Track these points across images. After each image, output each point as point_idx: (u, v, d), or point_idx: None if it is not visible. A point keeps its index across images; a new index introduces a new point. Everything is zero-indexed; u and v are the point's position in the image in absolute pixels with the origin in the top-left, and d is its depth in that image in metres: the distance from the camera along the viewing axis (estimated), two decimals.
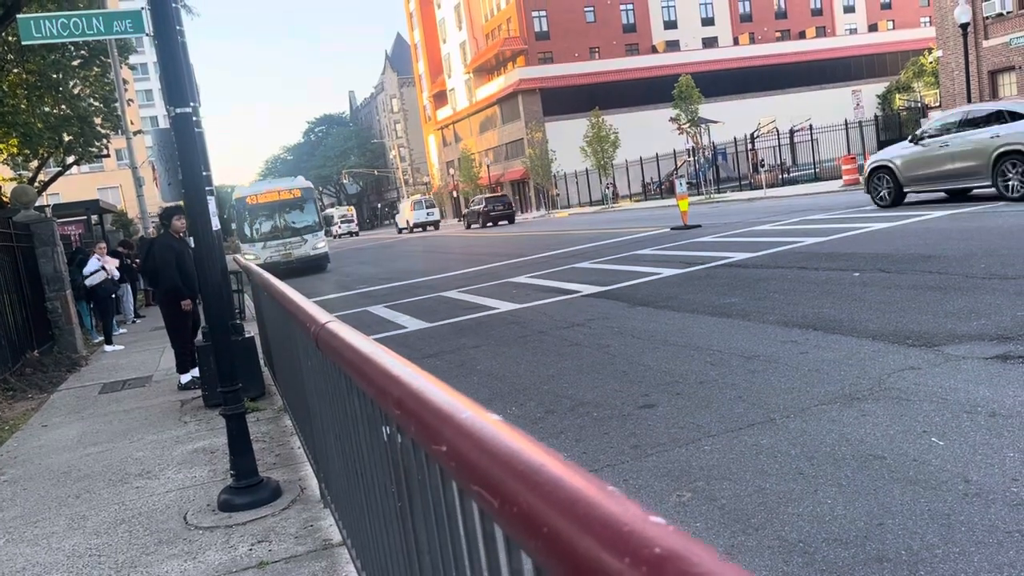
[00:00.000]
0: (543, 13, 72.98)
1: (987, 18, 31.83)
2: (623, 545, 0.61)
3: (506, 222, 47.41)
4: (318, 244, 27.83)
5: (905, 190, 17.64)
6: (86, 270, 13.33)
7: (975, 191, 16.93)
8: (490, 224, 47.52)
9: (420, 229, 58.43)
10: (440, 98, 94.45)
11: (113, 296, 14.30)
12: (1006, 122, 14.91)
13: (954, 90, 33.26)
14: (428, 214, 59.37)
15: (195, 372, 8.52)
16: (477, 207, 50.31)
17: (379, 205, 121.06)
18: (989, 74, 32.42)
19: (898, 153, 17.70)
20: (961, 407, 4.87)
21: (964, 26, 25.46)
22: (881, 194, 18.16)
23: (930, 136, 16.73)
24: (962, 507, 3.62)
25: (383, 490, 2.09)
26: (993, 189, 15.44)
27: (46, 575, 4.24)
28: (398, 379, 1.46)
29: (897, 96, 64.02)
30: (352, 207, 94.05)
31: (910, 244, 11.85)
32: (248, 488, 4.86)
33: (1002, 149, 14.80)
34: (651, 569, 0.57)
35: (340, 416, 2.72)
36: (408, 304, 14.08)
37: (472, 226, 50.05)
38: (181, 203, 7.26)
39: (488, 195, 54.35)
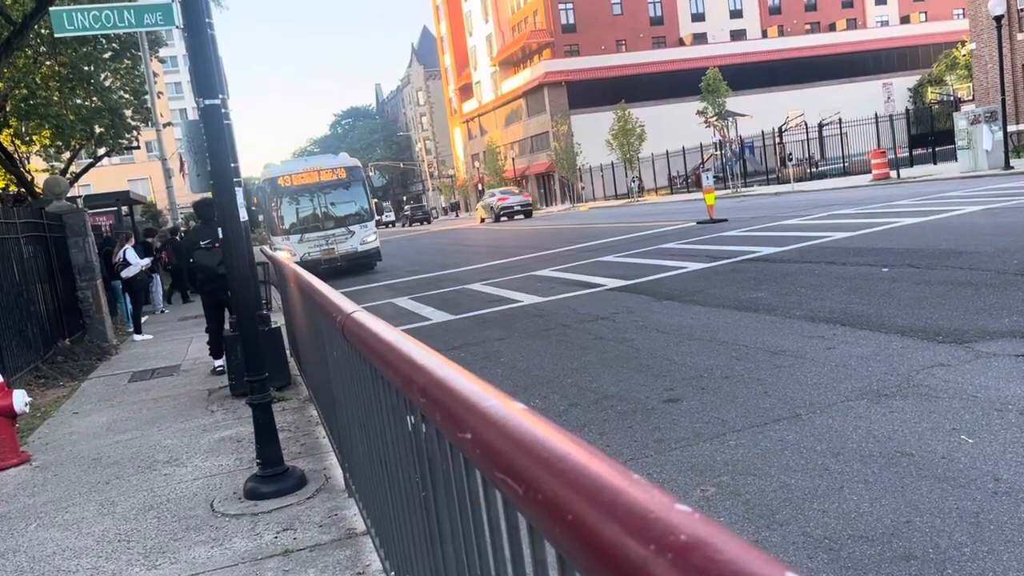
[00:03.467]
0: (569, 5, 72.68)
1: (1022, 10, 31.21)
2: (649, 532, 0.61)
3: (426, 223, 72.34)
4: (368, 237, 22.28)
5: (500, 216, 45.31)
6: (129, 265, 13.44)
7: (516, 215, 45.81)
8: (416, 223, 72.68)
9: (383, 226, 77.43)
10: (466, 91, 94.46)
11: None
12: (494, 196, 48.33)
13: (987, 83, 32.68)
14: (386, 216, 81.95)
15: None
16: (407, 212, 79.87)
17: (404, 198, 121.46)
18: (1023, 67, 31.82)
19: (485, 201, 48.33)
20: (991, 404, 4.80)
21: (998, 18, 24.98)
22: (487, 219, 47.34)
23: (486, 199, 49.63)
24: (991, 505, 3.57)
25: (407, 480, 2.10)
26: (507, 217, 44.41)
27: (76, 559, 4.32)
28: (424, 368, 1.46)
29: (929, 89, 63.09)
30: (377, 200, 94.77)
31: (941, 239, 11.68)
32: (274, 477, 4.91)
33: (491, 204, 47.14)
34: (677, 556, 0.57)
35: (365, 406, 2.73)
36: (432, 296, 14.12)
37: (404, 224, 75.68)
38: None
39: (413, 204, 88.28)
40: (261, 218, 23.25)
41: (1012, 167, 24.50)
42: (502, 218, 45.46)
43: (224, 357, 8.98)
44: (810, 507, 3.83)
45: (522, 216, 45.46)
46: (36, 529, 4.88)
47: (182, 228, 21.78)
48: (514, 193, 49.62)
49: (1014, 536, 3.29)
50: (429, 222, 73.50)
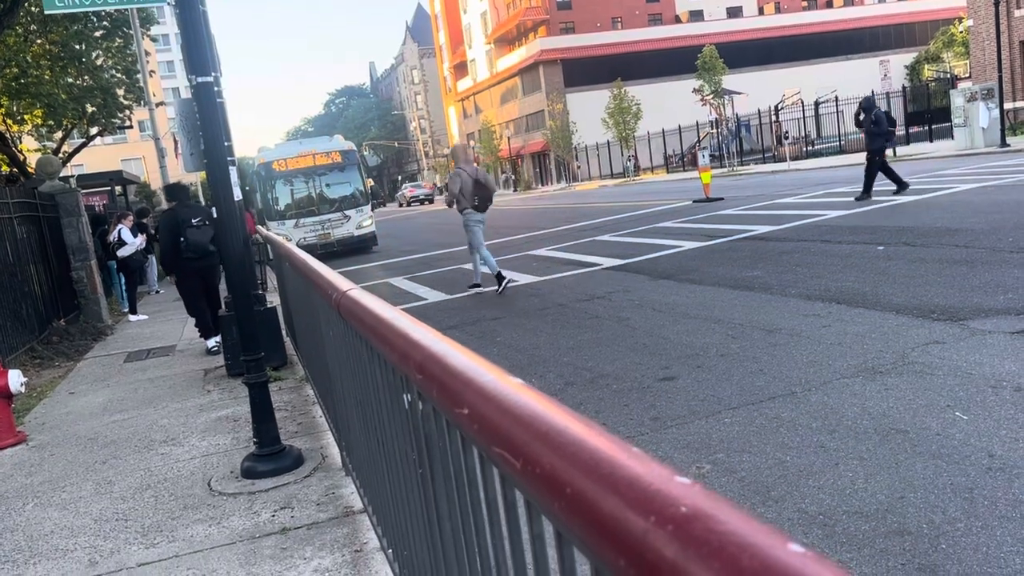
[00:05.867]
0: None
1: None
2: (649, 504, 0.60)
3: (381, 206, 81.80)
4: (364, 222, 22.17)
5: (411, 203, 67.10)
6: (125, 244, 13.44)
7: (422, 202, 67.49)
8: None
9: None
10: (461, 69, 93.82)
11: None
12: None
13: (984, 60, 32.57)
14: None
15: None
16: None
17: (399, 177, 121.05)
18: (1021, 44, 31.69)
19: (400, 192, 75.10)
20: (986, 381, 4.82)
21: None
22: (403, 204, 66.94)
23: (401, 191, 74.24)
24: (985, 481, 3.60)
25: (404, 457, 2.10)
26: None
27: (74, 538, 4.33)
28: (419, 343, 1.46)
29: (926, 67, 62.82)
30: (371, 180, 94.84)
31: (936, 217, 11.68)
32: (271, 456, 4.92)
33: (404, 194, 70.03)
34: (677, 527, 0.56)
35: (361, 384, 2.73)
36: (428, 276, 14.11)
37: None
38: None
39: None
40: (258, 201, 22.99)
41: (1008, 145, 24.49)
42: (413, 203, 66.67)
43: (218, 335, 9.10)
44: (805, 484, 3.85)
45: (427, 202, 66.74)
46: (33, 508, 4.89)
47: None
48: (420, 187, 73.42)
49: (1008, 511, 3.31)
50: (384, 205, 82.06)
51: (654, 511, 0.59)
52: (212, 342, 9.11)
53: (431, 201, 67.30)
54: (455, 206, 11.16)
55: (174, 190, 9.32)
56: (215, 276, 9.12)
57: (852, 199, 15.46)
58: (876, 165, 15.32)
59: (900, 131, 34.61)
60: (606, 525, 0.64)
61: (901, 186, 15.20)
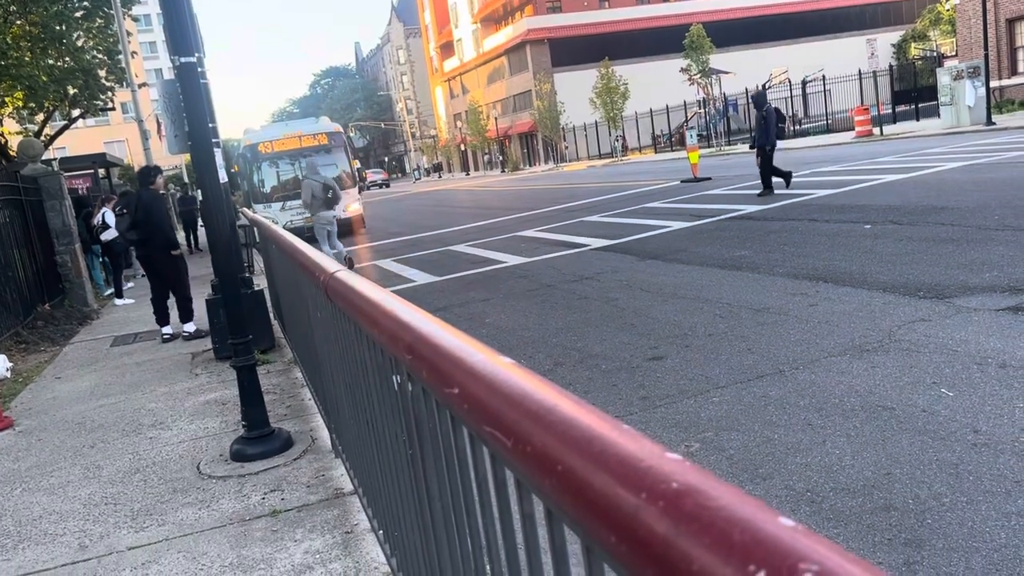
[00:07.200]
0: None
1: None
2: (640, 480, 0.60)
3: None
4: (351, 205, 21.39)
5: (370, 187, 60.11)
6: (108, 228, 13.37)
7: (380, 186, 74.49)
8: None
9: None
10: (447, 49, 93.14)
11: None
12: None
13: (971, 39, 32.60)
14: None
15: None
16: None
17: (386, 159, 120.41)
18: (1007, 22, 31.72)
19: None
20: (971, 358, 4.86)
21: None
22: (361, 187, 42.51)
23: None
24: (970, 457, 3.63)
25: (393, 439, 2.10)
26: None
27: (63, 522, 4.32)
28: (409, 325, 1.45)
29: (913, 45, 62.86)
30: (357, 160, 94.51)
31: (923, 196, 11.73)
32: (260, 438, 4.91)
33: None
34: (668, 503, 0.56)
35: (350, 366, 2.73)
36: (416, 258, 14.07)
37: None
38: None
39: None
40: (244, 184, 22.64)
41: (994, 123, 24.57)
42: (371, 187, 69.72)
43: (169, 324, 9.32)
44: (793, 461, 3.88)
45: (384, 186, 74.07)
46: (22, 493, 4.87)
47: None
48: (379, 173, 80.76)
49: (992, 486, 3.35)
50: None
51: (645, 487, 0.59)
52: (167, 329, 9.25)
53: (388, 185, 76.30)
54: (308, 211, 13.66)
55: (137, 175, 9.58)
56: (165, 266, 9.04)
57: (754, 192, 15.49)
58: (770, 159, 15.25)
59: (886, 110, 34.71)
60: (597, 502, 0.64)
61: (768, 190, 15.08)
